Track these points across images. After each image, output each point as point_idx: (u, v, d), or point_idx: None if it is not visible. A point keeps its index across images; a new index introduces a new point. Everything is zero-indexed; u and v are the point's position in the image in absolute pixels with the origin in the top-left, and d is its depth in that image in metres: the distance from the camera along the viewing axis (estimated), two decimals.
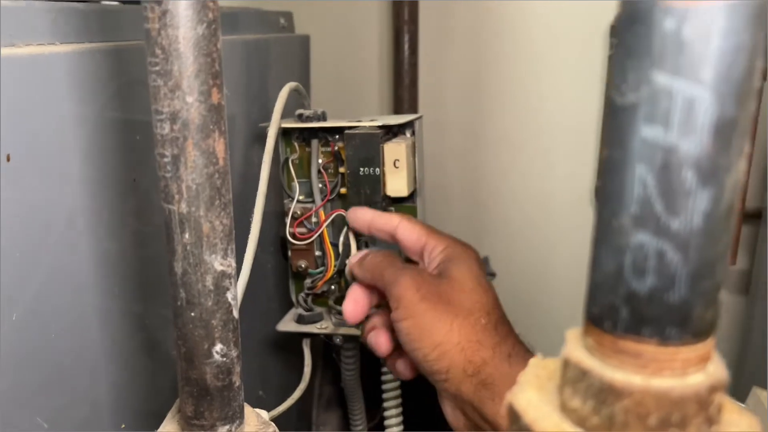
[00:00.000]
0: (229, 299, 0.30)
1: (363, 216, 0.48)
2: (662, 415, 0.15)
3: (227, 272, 0.29)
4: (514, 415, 0.17)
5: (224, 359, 0.30)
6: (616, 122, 0.15)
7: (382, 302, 0.45)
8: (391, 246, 0.49)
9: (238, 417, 0.32)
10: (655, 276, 0.15)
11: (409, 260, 0.47)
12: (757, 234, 0.73)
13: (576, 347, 0.17)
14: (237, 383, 0.31)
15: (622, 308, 0.15)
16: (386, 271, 0.42)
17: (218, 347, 0.30)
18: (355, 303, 0.45)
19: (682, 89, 0.14)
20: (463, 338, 0.37)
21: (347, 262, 0.50)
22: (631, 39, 0.14)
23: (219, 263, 0.29)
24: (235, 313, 0.30)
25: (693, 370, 0.16)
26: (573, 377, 0.17)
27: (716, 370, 0.16)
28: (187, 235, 0.28)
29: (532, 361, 0.20)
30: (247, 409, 0.34)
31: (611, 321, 0.16)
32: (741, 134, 0.14)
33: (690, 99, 0.13)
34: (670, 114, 0.14)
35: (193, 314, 0.29)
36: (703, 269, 0.15)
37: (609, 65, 0.16)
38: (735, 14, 0.13)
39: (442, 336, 0.37)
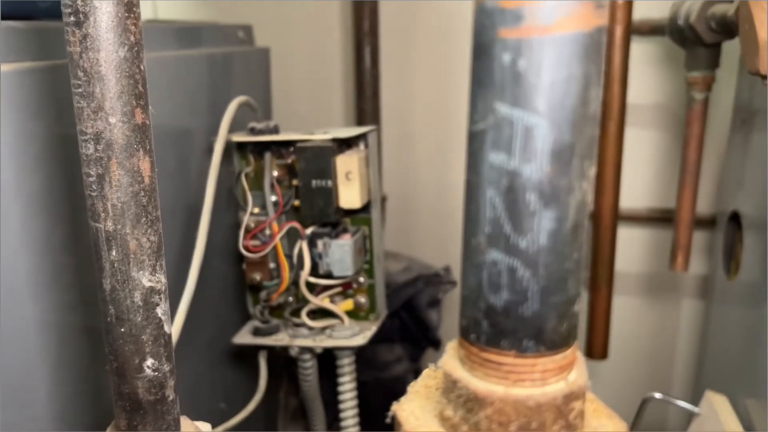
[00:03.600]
0: (160, 314, 0.30)
1: None
2: (522, 423, 0.16)
3: (156, 288, 0.30)
4: (396, 425, 0.18)
5: (156, 373, 0.31)
6: (471, 148, 0.16)
7: None
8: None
9: (173, 430, 0.33)
10: (508, 291, 0.16)
11: None
12: (711, 239, 0.75)
13: (451, 358, 0.18)
14: (171, 397, 0.32)
15: (483, 321, 0.16)
16: None
17: (149, 362, 0.30)
18: None
19: (520, 118, 0.14)
20: None
21: None
22: (478, 71, 0.15)
23: (147, 279, 0.29)
24: (167, 328, 0.31)
25: (553, 379, 0.17)
26: (446, 387, 0.18)
27: (577, 378, 0.17)
28: (114, 253, 0.29)
29: (425, 372, 0.20)
30: (186, 422, 0.34)
31: (476, 333, 0.17)
32: (581, 158, 0.15)
33: (528, 127, 0.14)
34: (512, 141, 0.15)
35: (123, 330, 0.30)
36: (554, 284, 0.16)
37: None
38: (564, 47, 0.14)
39: None
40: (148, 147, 0.29)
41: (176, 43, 0.56)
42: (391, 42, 0.77)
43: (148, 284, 0.30)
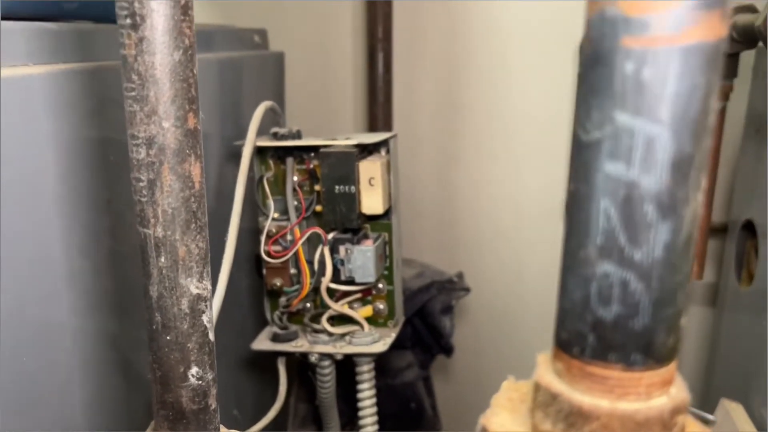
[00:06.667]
0: (205, 322, 0.30)
1: None
2: None
3: (203, 295, 0.29)
4: None
5: (200, 382, 0.30)
6: (581, 158, 0.15)
7: None
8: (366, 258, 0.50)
9: None
10: (619, 304, 0.15)
11: None
12: (723, 247, 0.75)
13: (546, 371, 0.18)
14: (213, 406, 0.31)
15: (589, 335, 0.16)
16: None
17: (194, 370, 0.30)
18: None
19: (642, 128, 0.14)
20: None
21: None
22: (594, 79, 0.15)
23: (195, 286, 0.29)
24: (211, 336, 0.30)
25: (657, 393, 0.16)
26: (543, 401, 0.17)
27: (678, 392, 0.17)
28: (162, 259, 0.28)
29: (505, 384, 0.20)
30: (223, 431, 0.34)
31: (579, 347, 0.16)
32: (698, 169, 0.15)
33: (650, 137, 0.14)
34: (632, 151, 0.14)
35: (168, 338, 0.29)
36: (666, 297, 0.15)
37: (575, 100, 0.16)
38: (690, 57, 0.14)
39: None
40: (198, 152, 0.28)
41: None
42: (401, 48, 0.77)
43: (195, 291, 0.29)
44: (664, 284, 0.15)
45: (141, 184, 0.27)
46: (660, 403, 0.16)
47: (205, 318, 0.30)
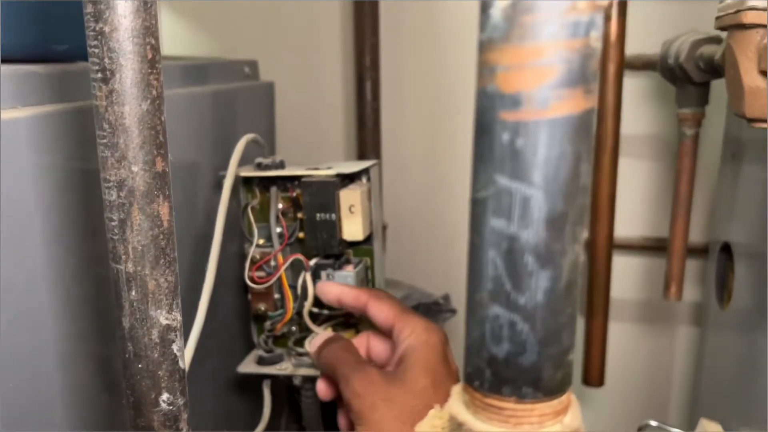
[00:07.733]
0: (175, 351, 0.32)
1: (331, 290, 0.50)
2: None
3: (172, 325, 0.31)
4: None
5: (171, 407, 0.32)
6: (474, 213, 0.17)
7: None
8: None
9: None
10: (509, 343, 0.17)
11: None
12: (705, 268, 0.76)
13: (456, 402, 0.19)
14: (184, 430, 0.33)
15: (486, 370, 0.18)
16: (339, 369, 0.43)
17: (165, 396, 0.32)
18: (327, 386, 0.48)
19: (518, 189, 0.16)
20: None
21: (308, 344, 0.53)
22: (480, 145, 0.17)
23: (164, 318, 0.31)
24: (182, 364, 0.32)
25: (550, 422, 0.18)
26: (451, 428, 0.19)
27: (572, 421, 0.18)
28: (133, 293, 0.30)
29: (431, 413, 0.22)
30: None
31: (479, 381, 0.18)
32: (573, 224, 0.17)
33: (525, 197, 0.16)
34: (511, 209, 0.16)
35: (140, 366, 0.31)
36: (550, 337, 0.17)
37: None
38: (557, 128, 0.16)
39: None
40: (167, 192, 0.30)
41: (183, 81, 0.58)
42: (388, 76, 0.79)
43: (165, 322, 0.31)
44: (547, 325, 0.17)
45: (113, 223, 0.29)
46: (552, 431, 0.18)
47: (175, 347, 0.32)
